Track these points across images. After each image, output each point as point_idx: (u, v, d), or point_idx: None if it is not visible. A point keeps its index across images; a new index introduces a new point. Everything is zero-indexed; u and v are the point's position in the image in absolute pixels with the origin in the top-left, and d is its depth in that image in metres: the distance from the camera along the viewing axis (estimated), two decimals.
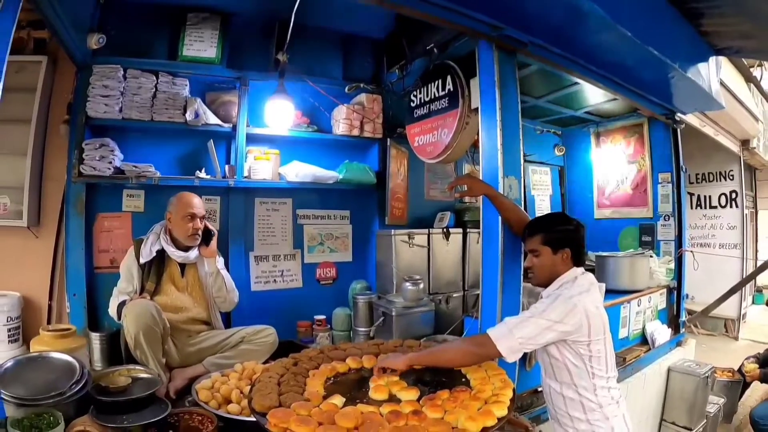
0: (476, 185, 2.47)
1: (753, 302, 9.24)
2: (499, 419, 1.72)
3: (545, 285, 2.16)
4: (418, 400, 1.84)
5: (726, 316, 8.21)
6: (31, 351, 2.44)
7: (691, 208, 8.75)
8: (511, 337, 1.89)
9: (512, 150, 2.48)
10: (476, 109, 2.64)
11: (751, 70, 6.99)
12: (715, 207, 8.51)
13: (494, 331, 1.95)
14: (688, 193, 8.79)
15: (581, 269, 2.13)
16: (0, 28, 1.66)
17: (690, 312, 7.93)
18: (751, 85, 7.03)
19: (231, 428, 2.09)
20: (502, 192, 2.39)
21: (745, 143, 7.89)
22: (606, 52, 2.93)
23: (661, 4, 2.97)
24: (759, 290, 9.62)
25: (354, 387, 2.02)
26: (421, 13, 2.22)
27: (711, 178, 8.51)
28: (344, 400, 1.83)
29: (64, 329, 2.60)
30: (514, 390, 1.97)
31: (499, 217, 2.41)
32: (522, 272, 2.51)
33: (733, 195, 8.29)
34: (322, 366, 2.19)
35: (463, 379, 2.09)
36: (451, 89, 3.03)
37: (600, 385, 1.99)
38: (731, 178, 8.28)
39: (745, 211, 9.00)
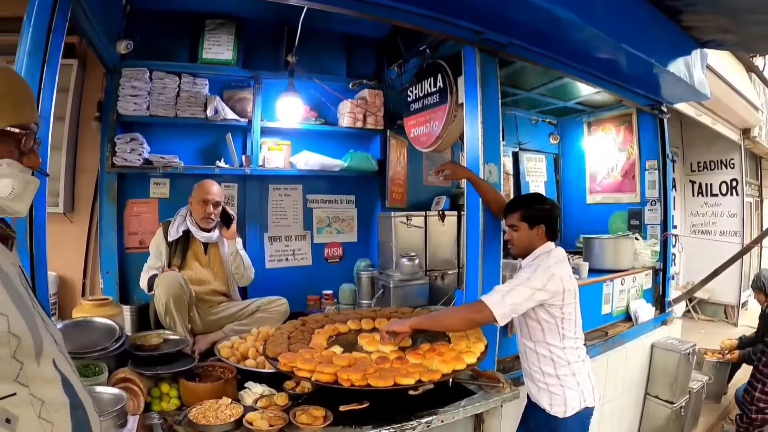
0: (459, 170, 2.77)
1: None
2: (469, 365, 2.07)
3: (522, 256, 2.38)
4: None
5: (726, 303, 8.33)
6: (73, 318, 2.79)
7: (693, 195, 8.83)
8: (503, 303, 2.09)
9: (492, 140, 2.73)
10: (462, 104, 2.90)
11: (754, 59, 7.02)
12: (716, 195, 8.55)
13: (489, 298, 2.13)
14: (690, 181, 8.87)
15: (553, 244, 2.37)
16: (53, 46, 2.00)
17: (690, 298, 8.12)
18: (753, 74, 7.09)
19: (247, 378, 2.36)
20: (482, 177, 2.67)
21: (745, 132, 7.88)
22: (584, 49, 3.08)
23: (639, 3, 3.11)
24: None
25: (352, 342, 2.38)
26: (409, 24, 2.49)
27: (712, 167, 8.55)
28: (342, 350, 2.19)
29: (102, 299, 2.95)
30: (486, 345, 2.31)
31: (480, 200, 2.69)
32: (501, 247, 2.79)
33: (734, 183, 8.32)
34: (326, 326, 2.55)
35: (446, 338, 2.44)
36: (441, 86, 3.31)
37: (569, 345, 2.23)
38: (732, 166, 8.30)
39: (750, 200, 8.96)
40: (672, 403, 4.05)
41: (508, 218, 2.39)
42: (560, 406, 2.21)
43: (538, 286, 2.11)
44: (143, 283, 3.19)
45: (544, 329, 2.22)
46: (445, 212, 4.26)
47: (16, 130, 1.09)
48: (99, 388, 1.98)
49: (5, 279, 0.99)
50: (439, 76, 3.34)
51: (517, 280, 2.16)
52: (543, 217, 2.32)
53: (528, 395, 2.43)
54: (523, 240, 2.33)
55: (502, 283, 2.85)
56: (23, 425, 0.94)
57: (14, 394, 0.94)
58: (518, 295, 2.10)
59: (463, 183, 2.83)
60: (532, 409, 2.37)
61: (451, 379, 2.28)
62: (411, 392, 2.11)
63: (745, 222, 8.33)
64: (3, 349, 0.93)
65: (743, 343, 5.02)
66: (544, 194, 5.48)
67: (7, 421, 0.92)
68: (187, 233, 3.23)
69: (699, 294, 8.12)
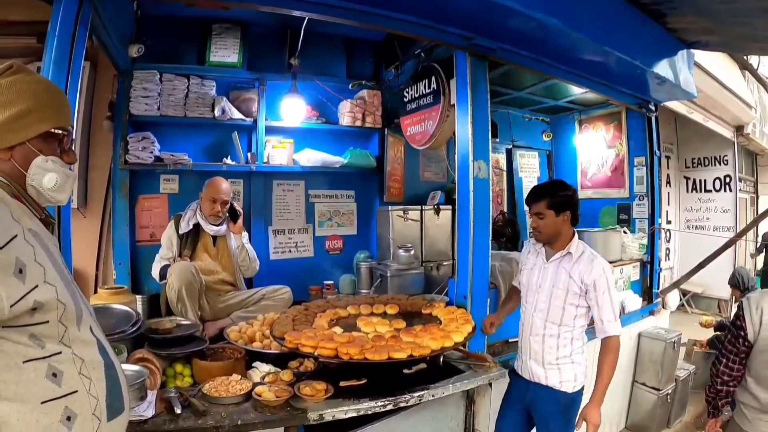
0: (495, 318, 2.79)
1: None
2: (456, 343, 2.26)
3: (549, 242, 2.45)
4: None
5: (719, 297, 8.43)
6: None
7: (687, 191, 8.93)
8: (619, 322, 2.31)
9: (482, 138, 2.91)
10: (454, 105, 3.07)
11: (747, 57, 7.02)
12: (710, 191, 8.66)
13: (614, 328, 2.29)
14: (684, 177, 8.97)
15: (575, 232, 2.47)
16: (75, 55, 2.16)
17: (684, 292, 8.25)
18: (746, 72, 7.17)
19: (254, 359, 2.55)
20: (471, 173, 2.85)
21: (739, 129, 7.96)
22: (570, 52, 3.24)
23: (623, 7, 3.23)
24: (758, 274, 9.72)
25: (351, 324, 2.58)
26: (403, 32, 2.67)
27: (706, 163, 8.66)
28: (342, 330, 2.39)
29: (117, 288, 3.12)
30: (474, 327, 2.51)
31: (470, 194, 2.87)
32: (489, 239, 2.98)
33: (727, 179, 8.44)
34: (328, 310, 2.75)
35: (438, 321, 2.63)
36: (435, 88, 3.48)
37: (586, 327, 2.40)
38: (725, 162, 8.41)
39: (744, 196, 9.03)
40: (658, 390, 4.20)
41: (533, 207, 2.44)
42: (570, 382, 2.37)
43: (613, 283, 2.31)
44: (155, 273, 3.38)
45: (578, 314, 2.36)
46: (440, 206, 4.45)
47: (59, 132, 1.30)
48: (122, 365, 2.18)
49: (51, 257, 1.19)
50: (433, 79, 3.51)
51: (607, 292, 2.29)
52: (568, 203, 2.40)
53: (521, 375, 2.55)
54: (549, 227, 2.39)
55: (493, 271, 3.06)
56: (67, 379, 1.14)
57: (60, 352, 1.14)
58: (616, 301, 2.31)
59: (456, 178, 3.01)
60: (532, 389, 2.47)
61: (441, 359, 2.48)
62: (405, 371, 2.31)
63: (738, 217, 8.42)
64: (52, 313, 1.13)
65: (722, 325, 5.21)
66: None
67: (54, 375, 1.12)
68: (197, 226, 3.40)
69: (693, 288, 8.26)
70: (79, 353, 1.18)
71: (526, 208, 2.72)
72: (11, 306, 1.04)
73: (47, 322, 1.12)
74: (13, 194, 1.22)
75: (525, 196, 5.20)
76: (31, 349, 1.09)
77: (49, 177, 1.26)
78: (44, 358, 1.11)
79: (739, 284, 4.86)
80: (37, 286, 1.09)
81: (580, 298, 2.33)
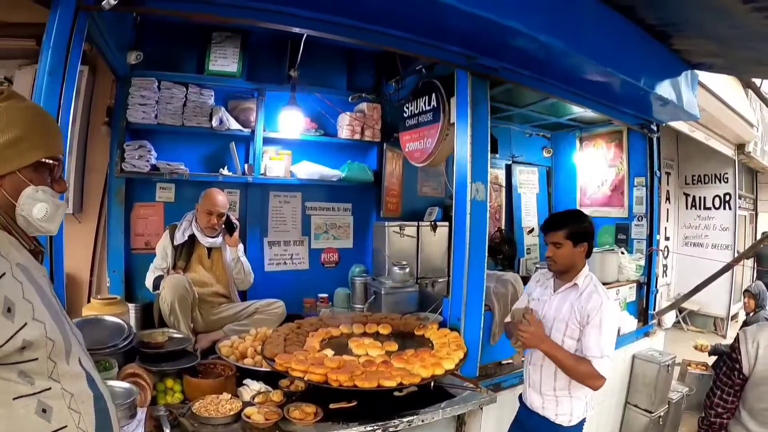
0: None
1: None
2: (447, 370, 2.24)
3: (562, 272, 2.38)
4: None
5: (715, 315, 8.47)
6: (83, 315, 2.96)
7: (686, 208, 8.93)
8: (607, 360, 2.15)
9: (480, 160, 2.88)
10: (454, 124, 3.04)
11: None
12: (709, 208, 8.64)
13: (602, 366, 2.13)
14: (684, 193, 8.97)
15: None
16: (71, 66, 2.12)
17: (680, 309, 8.25)
18: (749, 90, 7.16)
19: (246, 376, 2.52)
20: (469, 195, 2.83)
21: (740, 147, 7.98)
22: (573, 72, 3.21)
23: (628, 29, 3.20)
24: None
25: (343, 345, 2.55)
26: (404, 50, 2.66)
27: (706, 180, 8.64)
28: (333, 352, 2.37)
29: (110, 298, 3.08)
30: (466, 353, 2.48)
31: (467, 216, 2.84)
32: (485, 259, 2.95)
33: (727, 197, 8.44)
34: (320, 329, 2.72)
35: (430, 344, 2.61)
36: (435, 105, 3.46)
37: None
38: (726, 180, 8.40)
39: (744, 213, 9.01)
40: (651, 412, 4.17)
41: (550, 236, 2.38)
42: (566, 415, 2.31)
43: (615, 323, 2.27)
44: (149, 283, 3.36)
45: (577, 349, 2.27)
46: (437, 223, 4.43)
47: (50, 161, 1.28)
48: (111, 382, 2.13)
49: (40, 291, 1.17)
50: (433, 96, 3.48)
51: (600, 329, 2.18)
52: (587, 234, 2.35)
53: (524, 403, 2.51)
54: (566, 258, 2.34)
55: (488, 293, 3.03)
56: (57, 414, 1.13)
57: (49, 388, 1.13)
58: (611, 341, 2.19)
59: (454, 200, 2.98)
60: (532, 417, 2.43)
61: (432, 383, 2.45)
62: (396, 393, 2.29)
63: (737, 236, 8.41)
64: (41, 351, 1.12)
65: (716, 350, 5.19)
66: (536, 206, 5.73)
67: (44, 411, 1.11)
68: (192, 237, 3.39)
69: (689, 306, 8.25)
70: (68, 388, 1.17)
71: (525, 226, 2.70)
72: (0, 346, 1.04)
73: (36, 359, 1.11)
74: (2, 225, 1.21)
75: (524, 212, 5.22)
76: (20, 386, 1.09)
77: (39, 207, 1.24)
78: (34, 394, 1.10)
79: (758, 296, 4.86)
80: (26, 324, 1.08)
81: (580, 331, 2.27)
